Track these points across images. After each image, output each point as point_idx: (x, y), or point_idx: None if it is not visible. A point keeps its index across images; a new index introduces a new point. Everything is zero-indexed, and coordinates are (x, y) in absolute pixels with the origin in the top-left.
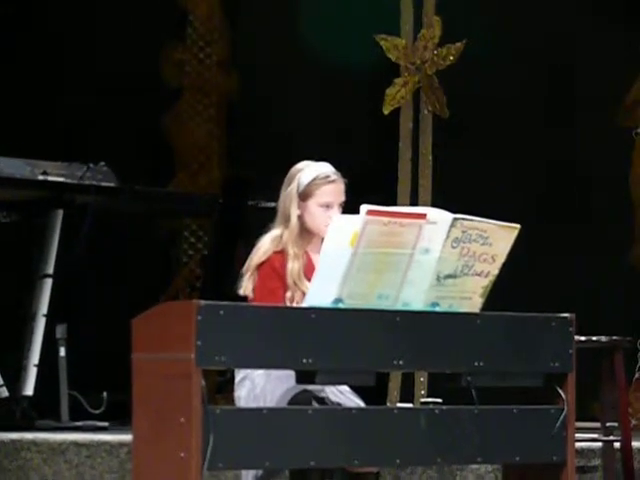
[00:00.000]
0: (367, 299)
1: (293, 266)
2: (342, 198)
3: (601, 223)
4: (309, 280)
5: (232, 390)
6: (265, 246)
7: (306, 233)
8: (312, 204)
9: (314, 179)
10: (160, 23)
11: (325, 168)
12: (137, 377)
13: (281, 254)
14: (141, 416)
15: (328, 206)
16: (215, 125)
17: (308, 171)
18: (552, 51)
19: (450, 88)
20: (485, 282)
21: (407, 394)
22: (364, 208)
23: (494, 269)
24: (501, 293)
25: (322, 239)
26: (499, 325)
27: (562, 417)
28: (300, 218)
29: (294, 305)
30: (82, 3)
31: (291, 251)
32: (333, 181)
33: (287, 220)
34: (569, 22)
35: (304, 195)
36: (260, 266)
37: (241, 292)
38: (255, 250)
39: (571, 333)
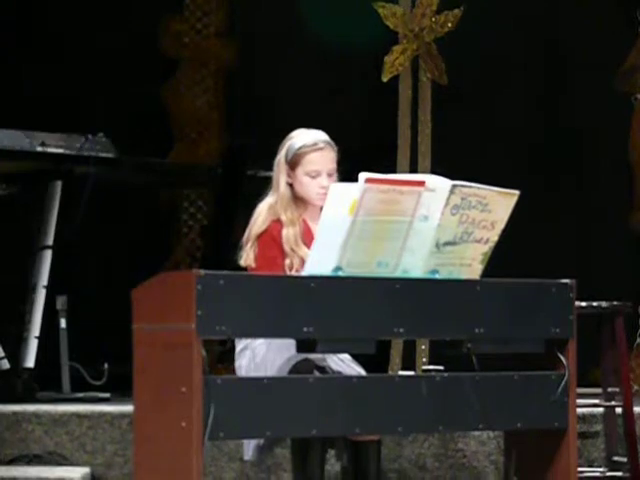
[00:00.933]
0: (367, 267)
1: (288, 232)
2: (331, 166)
3: (601, 188)
4: (307, 247)
5: (233, 360)
6: (263, 215)
7: (299, 200)
8: (300, 172)
9: (300, 147)
10: None
11: (315, 136)
12: (138, 347)
13: (279, 222)
14: (142, 386)
15: (315, 174)
16: (213, 95)
17: (297, 139)
18: (550, 17)
19: (448, 55)
20: (485, 249)
21: (408, 362)
22: (363, 176)
23: (493, 236)
24: (501, 259)
25: (319, 207)
26: (499, 292)
27: (563, 383)
28: (291, 186)
29: (293, 272)
30: None
31: (284, 217)
32: (321, 148)
33: (277, 188)
34: None
35: (292, 163)
36: (260, 236)
37: (242, 262)
38: (253, 220)
39: (571, 299)
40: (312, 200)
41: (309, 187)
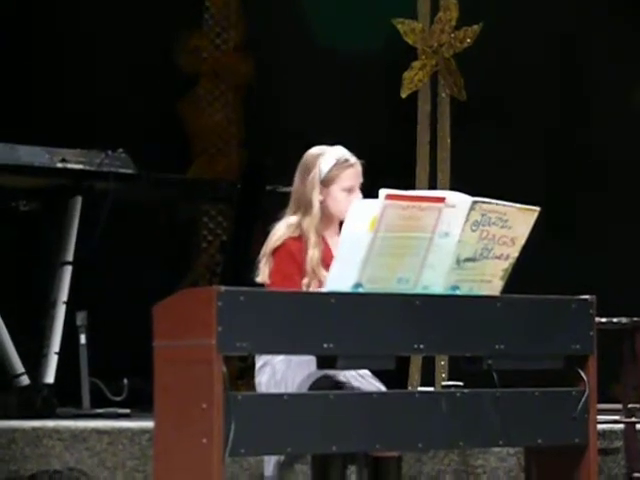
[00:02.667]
0: (387, 283)
1: (314, 253)
2: (361, 180)
3: (621, 204)
4: (325, 266)
5: (253, 376)
6: (280, 232)
7: (325, 219)
8: (335, 189)
9: (335, 164)
10: (177, 9)
11: (342, 152)
12: (158, 364)
13: (297, 240)
14: (163, 403)
15: (350, 189)
16: (232, 110)
17: (328, 157)
18: (569, 33)
19: (467, 71)
20: (505, 265)
21: (428, 378)
22: (383, 192)
23: (514, 252)
24: (521, 275)
25: (340, 223)
26: (519, 308)
27: (584, 399)
28: (321, 204)
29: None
30: None
31: (312, 239)
32: (353, 164)
33: (308, 207)
34: (586, 3)
35: (327, 181)
36: (275, 251)
37: (258, 279)
38: (270, 236)
39: (591, 315)
40: (345, 216)
41: (344, 203)
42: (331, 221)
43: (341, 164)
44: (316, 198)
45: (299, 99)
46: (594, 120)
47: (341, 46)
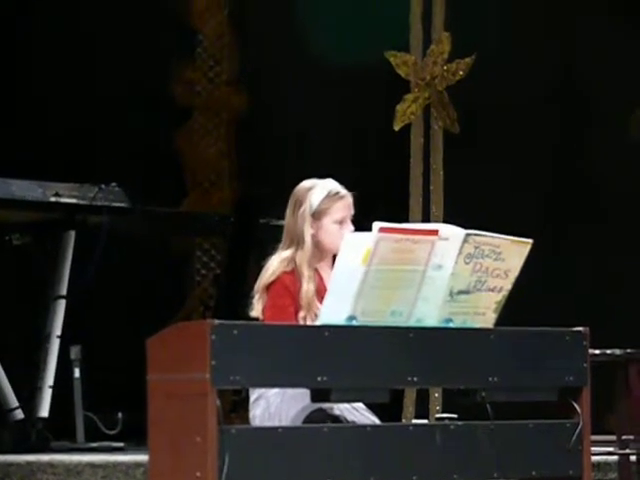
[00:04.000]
0: (381, 316)
1: (308, 288)
2: (352, 211)
3: (615, 234)
4: (319, 299)
5: (247, 409)
6: (273, 267)
7: (318, 252)
8: (327, 222)
9: (326, 197)
10: (170, 42)
11: (333, 184)
12: (152, 398)
13: (291, 274)
14: (157, 436)
15: (342, 221)
16: (225, 143)
17: (318, 190)
18: (564, 64)
19: (460, 103)
20: (498, 297)
21: (422, 410)
22: (376, 225)
23: (507, 284)
24: (514, 303)
25: (333, 256)
26: (513, 340)
27: (578, 431)
28: (313, 237)
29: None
30: (91, 22)
31: (306, 273)
32: (344, 196)
33: (300, 241)
34: (581, 33)
35: (318, 214)
36: (269, 286)
37: (252, 314)
38: (263, 271)
39: (585, 347)
40: (338, 247)
41: (336, 235)
42: (324, 254)
43: (332, 196)
44: (308, 232)
45: (292, 131)
46: (591, 151)
47: (335, 78)
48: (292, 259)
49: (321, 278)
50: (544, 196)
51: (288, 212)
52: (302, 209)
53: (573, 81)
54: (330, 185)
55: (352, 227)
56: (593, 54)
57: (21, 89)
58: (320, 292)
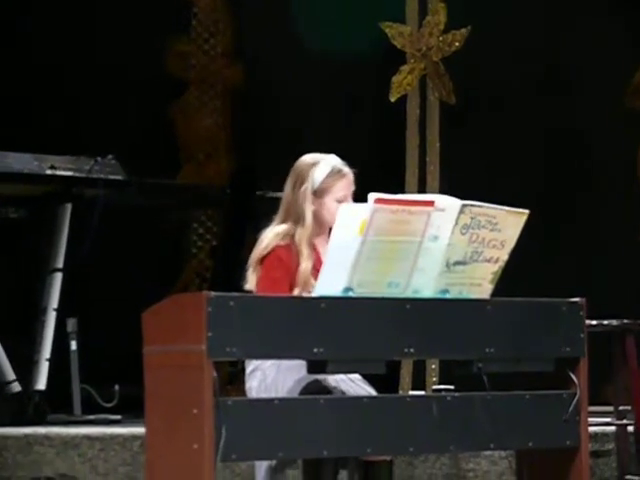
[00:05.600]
0: (377, 287)
1: (307, 266)
2: (353, 188)
3: (610, 206)
4: (316, 276)
5: (243, 381)
6: (268, 239)
7: (316, 228)
8: (329, 200)
9: (328, 175)
10: (164, 15)
11: (335, 162)
12: (148, 370)
13: (286, 248)
14: (153, 409)
15: (343, 199)
16: (221, 116)
17: (321, 167)
18: (556, 35)
19: (456, 74)
20: (495, 268)
21: (419, 381)
22: (372, 196)
23: (503, 255)
24: (511, 278)
25: (330, 229)
26: (509, 311)
27: (575, 402)
28: (314, 214)
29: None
30: None
31: (305, 252)
32: (346, 174)
33: (300, 218)
34: (574, 5)
35: (320, 192)
36: (264, 258)
37: (246, 287)
38: (257, 244)
39: (582, 317)
40: None
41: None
42: (322, 229)
43: (334, 175)
44: (309, 209)
45: (288, 104)
46: (587, 120)
47: (330, 50)
48: (288, 234)
49: (318, 253)
50: (538, 166)
51: (288, 187)
52: (304, 187)
53: (564, 52)
54: (332, 162)
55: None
56: (585, 25)
57: (20, 58)
58: (316, 267)
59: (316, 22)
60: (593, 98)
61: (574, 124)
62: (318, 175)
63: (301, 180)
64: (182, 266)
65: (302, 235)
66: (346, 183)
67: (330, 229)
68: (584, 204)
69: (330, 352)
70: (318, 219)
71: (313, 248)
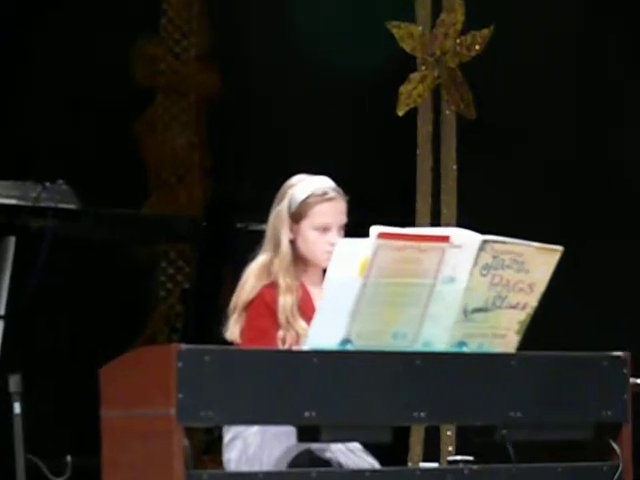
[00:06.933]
0: (380, 339)
1: (285, 301)
2: (343, 219)
3: None
4: (306, 319)
5: (221, 451)
6: (252, 279)
7: (300, 261)
8: (306, 226)
9: (308, 197)
10: (128, 13)
11: (322, 183)
12: (107, 437)
13: (272, 287)
14: None
15: (325, 228)
16: (195, 132)
17: (302, 187)
18: (588, 38)
19: (476, 83)
20: (522, 316)
21: (432, 451)
22: (374, 230)
23: (532, 300)
24: (541, 327)
25: (322, 269)
26: (539, 367)
27: (617, 475)
28: (293, 243)
29: (289, 347)
30: None
31: (282, 283)
32: (331, 199)
33: (277, 246)
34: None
35: (297, 215)
36: (249, 304)
37: (227, 336)
38: (240, 285)
39: (625, 375)
40: (318, 260)
41: (316, 244)
42: (308, 264)
43: (315, 197)
44: (285, 235)
45: (274, 118)
46: (622, 141)
47: (327, 56)
48: (266, 266)
49: (308, 293)
50: (570, 194)
51: (272, 210)
52: (280, 207)
53: (596, 57)
54: (318, 183)
55: (338, 237)
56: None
57: None
58: (306, 311)
59: (309, 20)
60: (633, 114)
61: (614, 146)
62: (297, 195)
63: (279, 200)
64: (148, 313)
65: (279, 266)
66: (330, 209)
67: (323, 268)
68: (623, 239)
69: (324, 416)
70: (296, 250)
71: (301, 287)
